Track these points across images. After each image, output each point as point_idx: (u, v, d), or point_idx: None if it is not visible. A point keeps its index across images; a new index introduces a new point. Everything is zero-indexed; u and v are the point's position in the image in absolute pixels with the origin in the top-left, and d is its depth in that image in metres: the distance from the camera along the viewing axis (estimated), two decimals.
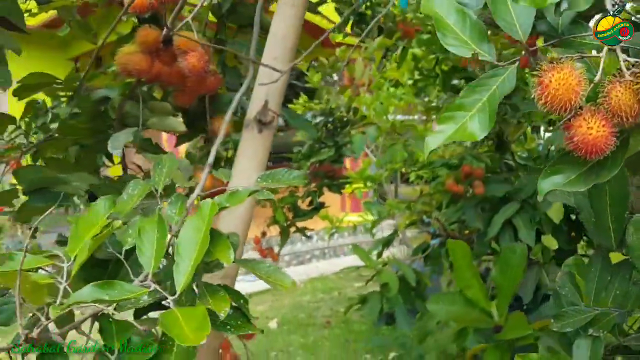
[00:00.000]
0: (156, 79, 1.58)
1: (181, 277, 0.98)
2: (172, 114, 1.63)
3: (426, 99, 4.73)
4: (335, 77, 4.81)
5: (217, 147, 1.50)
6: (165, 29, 1.54)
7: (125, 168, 1.76)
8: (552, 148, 3.13)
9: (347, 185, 4.28)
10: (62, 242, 1.70)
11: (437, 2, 0.85)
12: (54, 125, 1.75)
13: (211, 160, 1.29)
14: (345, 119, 3.91)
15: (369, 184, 5.38)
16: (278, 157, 4.13)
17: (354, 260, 9.12)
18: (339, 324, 6.02)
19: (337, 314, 6.43)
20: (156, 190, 1.18)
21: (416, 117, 5.52)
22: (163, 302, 1.20)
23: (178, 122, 1.61)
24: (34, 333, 0.81)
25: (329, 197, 3.95)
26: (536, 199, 2.84)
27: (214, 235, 1.05)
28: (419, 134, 4.64)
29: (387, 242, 3.92)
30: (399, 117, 4.91)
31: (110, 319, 0.99)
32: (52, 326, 0.88)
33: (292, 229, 3.89)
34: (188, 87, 1.60)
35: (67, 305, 0.85)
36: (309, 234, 3.95)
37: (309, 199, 3.89)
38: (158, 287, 0.98)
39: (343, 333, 5.72)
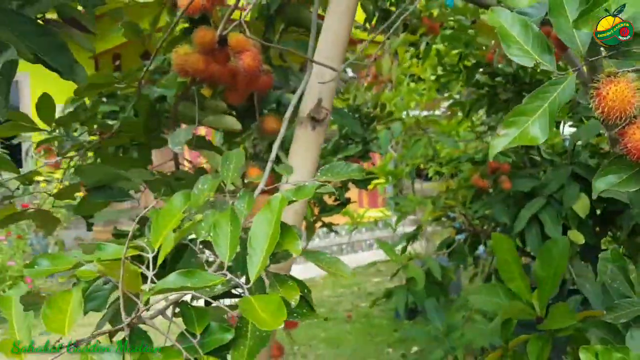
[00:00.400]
0: (210, 78, 1.65)
1: (254, 267, 1.05)
2: (226, 112, 1.71)
3: (446, 95, 4.77)
4: (351, 73, 4.84)
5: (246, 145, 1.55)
6: (220, 29, 1.61)
7: (177, 164, 1.84)
8: (579, 143, 3.16)
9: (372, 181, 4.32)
10: (118, 235, 1.78)
11: (502, 15, 0.93)
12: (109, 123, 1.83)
13: (273, 157, 1.36)
14: (372, 115, 3.96)
15: (390, 179, 5.43)
16: None
17: (372, 255, 9.21)
18: (360, 319, 6.09)
19: (357, 308, 6.50)
20: (225, 185, 1.25)
21: (438, 112, 5.57)
22: (233, 291, 1.28)
23: (234, 121, 1.68)
24: (134, 319, 0.89)
25: (348, 193, 3.99)
26: (562, 194, 2.91)
27: (283, 228, 1.12)
28: (442, 129, 4.70)
29: (412, 237, 3.99)
30: (424, 113, 4.95)
31: (190, 306, 1.07)
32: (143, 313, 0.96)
33: (318, 224, 3.95)
34: (241, 85, 1.67)
35: (157, 291, 0.93)
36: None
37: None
38: (234, 277, 1.05)
39: (364, 327, 5.79)
